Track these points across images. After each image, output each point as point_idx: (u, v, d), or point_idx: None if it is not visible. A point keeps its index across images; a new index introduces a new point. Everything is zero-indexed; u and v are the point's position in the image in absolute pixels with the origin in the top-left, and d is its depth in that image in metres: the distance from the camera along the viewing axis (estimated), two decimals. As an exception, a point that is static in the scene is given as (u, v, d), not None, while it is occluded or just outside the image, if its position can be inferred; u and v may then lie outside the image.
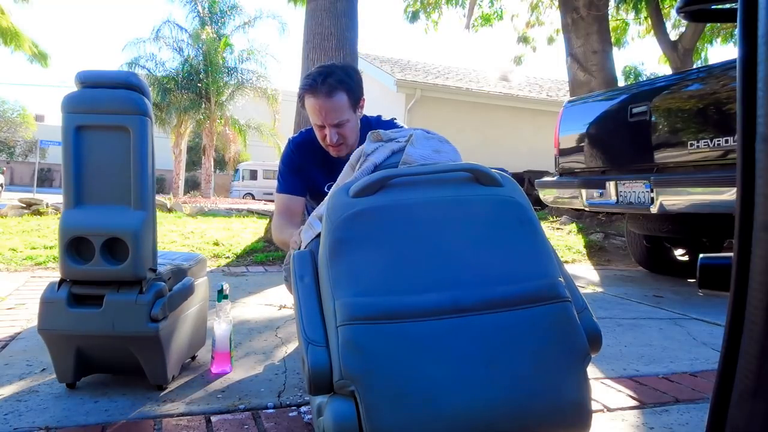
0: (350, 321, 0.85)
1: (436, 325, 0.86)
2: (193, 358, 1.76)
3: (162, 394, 1.48)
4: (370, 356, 0.84)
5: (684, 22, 8.64)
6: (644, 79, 13.36)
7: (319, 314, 0.92)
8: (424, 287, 0.89)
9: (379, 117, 1.82)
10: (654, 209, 2.90)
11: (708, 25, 9.35)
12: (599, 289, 3.37)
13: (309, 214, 1.71)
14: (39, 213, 5.93)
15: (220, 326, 1.63)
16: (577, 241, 5.12)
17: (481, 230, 0.96)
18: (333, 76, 1.55)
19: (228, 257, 4.07)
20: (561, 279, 0.94)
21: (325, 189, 1.69)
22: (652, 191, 2.91)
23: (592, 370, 1.75)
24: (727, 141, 2.61)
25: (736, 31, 0.50)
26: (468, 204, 0.99)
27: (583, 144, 3.65)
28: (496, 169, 1.08)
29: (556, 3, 8.05)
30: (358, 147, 1.62)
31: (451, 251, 0.93)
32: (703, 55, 11.20)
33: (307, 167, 1.73)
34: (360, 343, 0.84)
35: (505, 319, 0.88)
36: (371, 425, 0.81)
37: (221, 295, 1.66)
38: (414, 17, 10.07)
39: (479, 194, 1.00)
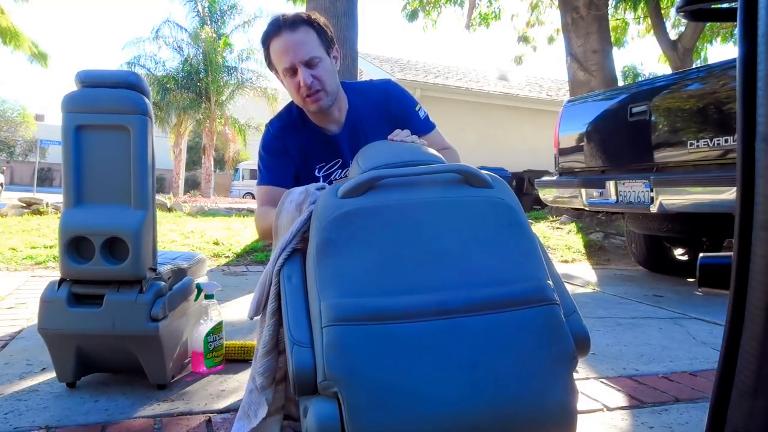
0: (335, 322, 0.85)
1: (421, 327, 0.85)
2: (193, 357, 1.76)
3: (162, 393, 1.48)
4: (354, 357, 0.83)
5: (684, 21, 8.64)
6: (642, 79, 13.37)
7: (305, 315, 0.92)
8: (410, 289, 0.89)
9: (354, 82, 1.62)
10: (654, 209, 2.90)
11: (708, 24, 9.35)
12: (599, 289, 3.37)
13: None
14: (39, 212, 5.93)
15: (198, 328, 1.65)
16: (577, 241, 5.12)
17: (470, 232, 0.96)
18: (294, 14, 1.44)
19: (228, 256, 4.08)
20: (549, 282, 0.93)
21: (317, 172, 1.51)
22: (651, 191, 2.91)
23: (591, 370, 1.75)
24: (727, 141, 2.61)
25: (736, 31, 0.50)
26: (457, 205, 0.98)
27: (582, 143, 3.65)
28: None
29: (556, 3, 8.05)
30: (341, 106, 1.49)
31: (438, 253, 0.93)
32: (702, 54, 11.21)
33: (293, 148, 1.51)
34: (344, 344, 0.84)
35: (491, 321, 0.87)
36: (354, 427, 0.80)
37: (207, 295, 1.69)
38: (413, 16, 10.06)
39: (468, 196, 1.00)
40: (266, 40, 1.43)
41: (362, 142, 1.34)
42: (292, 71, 1.40)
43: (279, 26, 1.40)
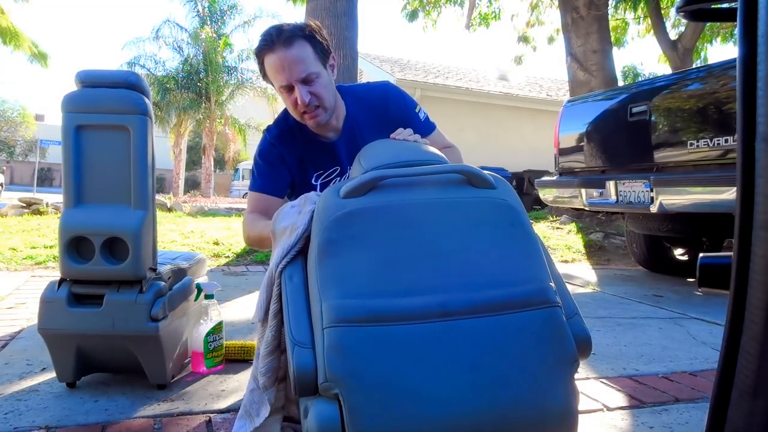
0: (336, 323, 0.85)
1: (422, 329, 0.85)
2: (193, 357, 1.76)
3: (162, 393, 1.48)
4: (355, 359, 0.83)
5: (684, 21, 8.64)
6: (642, 78, 13.37)
7: (306, 315, 0.92)
8: (412, 290, 0.88)
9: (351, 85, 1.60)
10: (654, 209, 2.90)
11: (708, 24, 9.35)
12: (599, 289, 3.37)
13: None
14: (39, 212, 5.93)
15: (198, 328, 1.65)
16: (577, 241, 5.12)
17: (472, 233, 0.95)
18: (288, 27, 1.38)
19: (228, 256, 4.07)
20: (551, 284, 0.93)
21: (314, 180, 1.50)
22: (651, 191, 2.91)
23: (591, 370, 1.75)
24: (727, 141, 2.61)
25: (736, 31, 0.50)
26: (459, 206, 0.98)
27: (582, 143, 3.65)
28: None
29: (556, 2, 8.05)
30: (339, 114, 1.46)
31: (440, 254, 0.92)
32: (702, 54, 11.21)
33: (289, 156, 1.48)
34: (345, 346, 0.83)
35: (493, 323, 0.87)
36: (354, 428, 0.80)
37: (207, 295, 1.70)
38: (413, 16, 10.07)
39: (471, 196, 0.99)
40: (260, 55, 1.38)
41: (360, 148, 1.34)
42: (289, 88, 1.37)
43: (273, 41, 1.35)
